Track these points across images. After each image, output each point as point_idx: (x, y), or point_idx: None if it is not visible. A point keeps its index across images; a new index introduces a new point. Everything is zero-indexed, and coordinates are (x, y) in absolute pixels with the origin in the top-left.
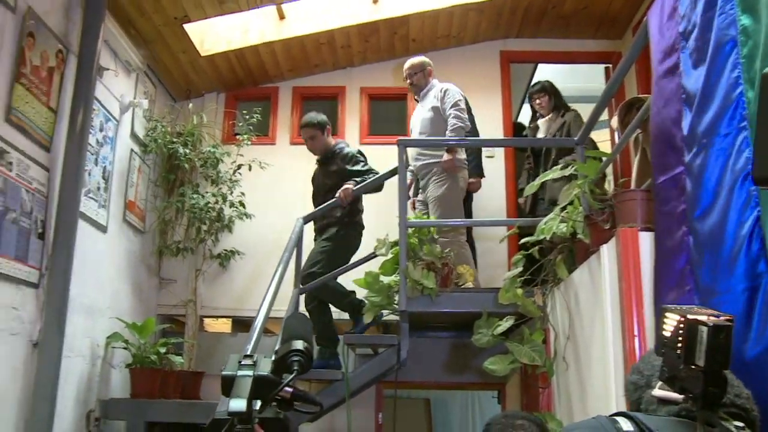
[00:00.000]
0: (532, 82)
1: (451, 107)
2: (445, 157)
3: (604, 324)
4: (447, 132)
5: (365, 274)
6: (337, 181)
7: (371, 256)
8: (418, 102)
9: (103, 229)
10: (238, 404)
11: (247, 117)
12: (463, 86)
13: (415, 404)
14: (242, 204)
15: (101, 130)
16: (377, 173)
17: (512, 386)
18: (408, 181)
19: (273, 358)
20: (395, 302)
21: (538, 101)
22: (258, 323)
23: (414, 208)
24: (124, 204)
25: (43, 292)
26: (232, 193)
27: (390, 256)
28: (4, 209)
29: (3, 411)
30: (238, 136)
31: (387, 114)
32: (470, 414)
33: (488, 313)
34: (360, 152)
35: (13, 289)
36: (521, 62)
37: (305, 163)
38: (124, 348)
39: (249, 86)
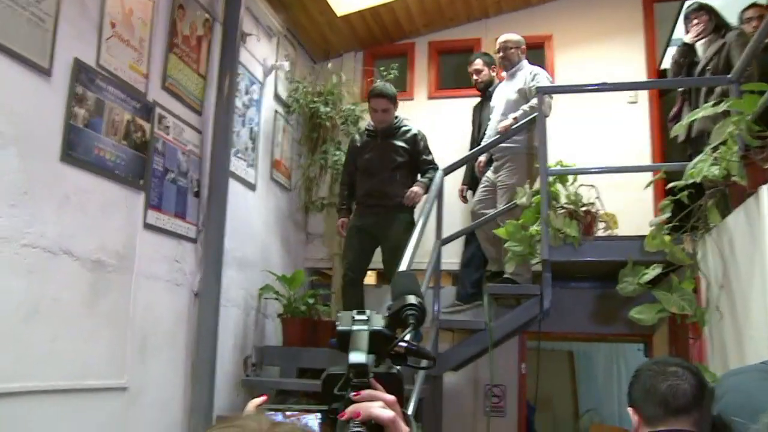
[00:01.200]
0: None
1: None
2: (508, 121)
3: (764, 271)
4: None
5: (506, 224)
6: (407, 159)
7: (512, 206)
8: (504, 78)
9: (252, 187)
10: (358, 357)
11: (385, 74)
12: (603, 30)
13: (558, 356)
14: None
15: (247, 93)
16: (437, 167)
17: (659, 338)
18: (479, 165)
19: (386, 314)
20: (537, 251)
21: (695, 21)
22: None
23: (463, 196)
24: (270, 163)
25: (201, 247)
26: None
27: (531, 205)
28: (163, 170)
29: (175, 352)
30: None
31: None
32: (615, 367)
33: (634, 261)
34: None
35: (175, 244)
36: (666, 0)
37: (443, 117)
38: (275, 299)
39: (385, 43)
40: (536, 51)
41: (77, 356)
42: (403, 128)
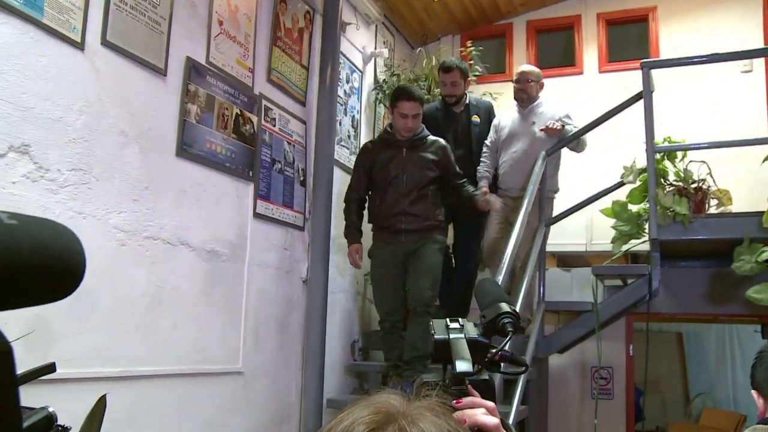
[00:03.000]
0: None
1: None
2: (557, 124)
3: None
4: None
5: (612, 203)
6: (438, 174)
7: (618, 185)
8: (519, 112)
9: None
10: (464, 366)
11: (477, 54)
12: None
13: (667, 338)
14: None
15: (348, 81)
16: (467, 179)
17: None
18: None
19: (480, 321)
20: (645, 231)
21: None
22: (507, 257)
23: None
24: None
25: (308, 234)
26: None
27: (638, 183)
28: (271, 161)
29: (286, 338)
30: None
31: (626, 38)
32: (728, 349)
33: (751, 238)
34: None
35: (284, 232)
36: None
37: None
38: None
39: (482, 25)
40: (639, 24)
41: (196, 342)
42: (428, 137)
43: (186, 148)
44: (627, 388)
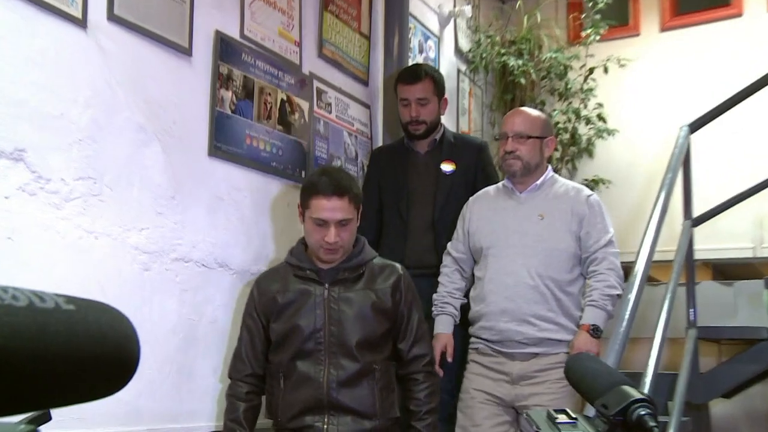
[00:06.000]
0: None
1: (606, 245)
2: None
3: None
4: (586, 303)
5: None
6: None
7: None
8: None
9: None
10: None
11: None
12: None
13: None
14: (602, 118)
15: (421, 51)
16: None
17: None
18: None
19: (597, 414)
20: None
21: None
22: (638, 270)
23: None
24: None
25: None
26: (586, 106)
27: None
28: (328, 158)
29: None
30: (584, 32)
31: None
32: None
33: None
34: None
35: None
36: None
37: (683, 53)
38: None
39: None
40: None
41: None
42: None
43: (220, 146)
44: None
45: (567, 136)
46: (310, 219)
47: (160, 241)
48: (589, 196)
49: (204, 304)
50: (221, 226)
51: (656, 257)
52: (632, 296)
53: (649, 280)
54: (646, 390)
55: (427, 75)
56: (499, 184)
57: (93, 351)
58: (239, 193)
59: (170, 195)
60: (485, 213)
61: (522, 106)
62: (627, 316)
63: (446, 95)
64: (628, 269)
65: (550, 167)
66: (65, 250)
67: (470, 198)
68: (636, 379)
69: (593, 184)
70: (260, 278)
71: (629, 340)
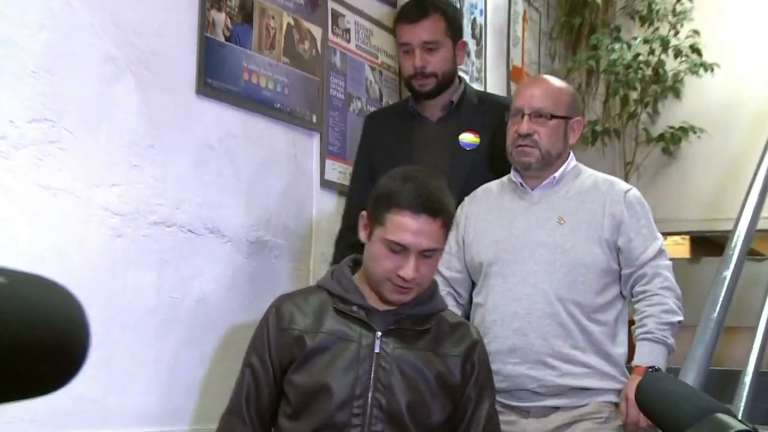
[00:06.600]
0: None
1: (656, 256)
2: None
3: None
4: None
5: None
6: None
7: None
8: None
9: None
10: None
11: None
12: None
13: None
14: (696, 50)
15: None
16: None
17: None
18: None
19: None
20: None
21: None
22: (737, 242)
23: None
24: (506, 72)
25: None
26: (677, 34)
27: None
28: (345, 98)
29: None
30: None
31: None
32: None
33: None
34: None
35: None
36: None
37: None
38: None
39: None
40: None
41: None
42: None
43: (210, 82)
44: None
45: (649, 71)
46: (382, 240)
47: (136, 200)
48: (627, 191)
49: (189, 279)
50: (212, 182)
51: (760, 225)
52: (728, 273)
53: (750, 253)
54: (744, 394)
55: (435, 9)
56: (504, 178)
57: (26, 335)
58: (234, 140)
59: (148, 143)
60: (486, 217)
61: (593, 32)
62: (721, 300)
63: (463, 38)
64: (723, 240)
65: (572, 155)
66: (14, 210)
67: (465, 198)
68: (732, 378)
69: (680, 133)
70: (282, 302)
71: (723, 329)
